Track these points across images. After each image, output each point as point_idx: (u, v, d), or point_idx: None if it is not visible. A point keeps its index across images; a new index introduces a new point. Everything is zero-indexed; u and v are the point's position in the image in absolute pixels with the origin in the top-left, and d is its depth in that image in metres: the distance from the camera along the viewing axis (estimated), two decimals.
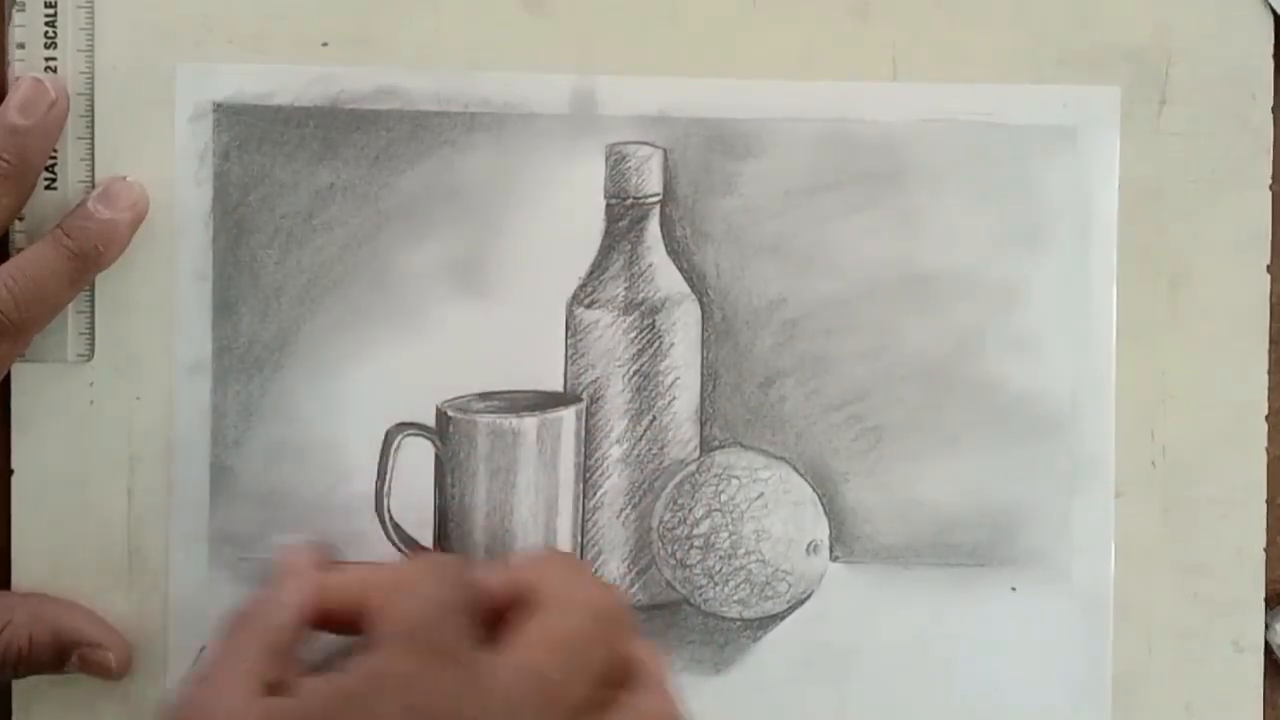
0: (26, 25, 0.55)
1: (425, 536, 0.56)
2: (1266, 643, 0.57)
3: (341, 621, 0.45)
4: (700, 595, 0.57)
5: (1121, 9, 0.57)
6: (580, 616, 0.44)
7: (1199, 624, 0.57)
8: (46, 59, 0.55)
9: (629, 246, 0.56)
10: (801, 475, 0.57)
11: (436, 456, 0.56)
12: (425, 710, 0.42)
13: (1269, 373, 0.57)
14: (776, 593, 0.57)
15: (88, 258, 0.54)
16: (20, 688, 0.55)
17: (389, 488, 0.56)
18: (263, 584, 0.47)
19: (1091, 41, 0.57)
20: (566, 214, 0.56)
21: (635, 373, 0.57)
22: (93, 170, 0.55)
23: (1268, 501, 0.57)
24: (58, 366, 0.55)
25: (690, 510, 0.57)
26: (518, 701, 0.43)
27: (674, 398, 0.57)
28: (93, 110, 0.55)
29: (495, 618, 0.44)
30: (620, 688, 0.44)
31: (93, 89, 0.55)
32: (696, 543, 0.57)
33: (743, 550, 0.57)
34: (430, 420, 0.56)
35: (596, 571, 0.57)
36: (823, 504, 0.57)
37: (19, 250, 0.54)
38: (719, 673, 0.57)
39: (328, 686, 0.42)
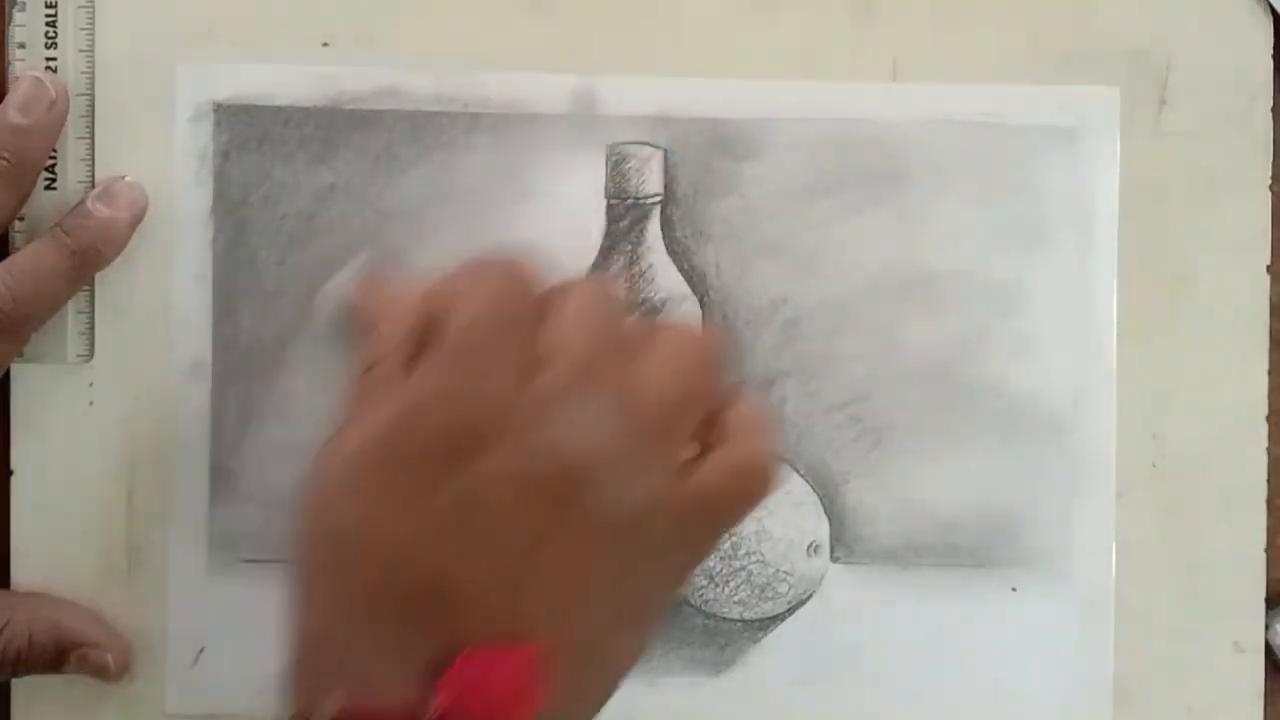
0: (27, 25, 0.55)
1: None
2: (1266, 643, 0.57)
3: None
4: (700, 596, 0.57)
5: (1121, 9, 0.57)
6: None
7: (1199, 624, 0.57)
8: (47, 59, 0.55)
9: (629, 247, 0.56)
10: (802, 476, 0.57)
11: None
12: (467, 426, 0.43)
13: (1269, 373, 0.57)
14: (777, 594, 0.57)
15: (86, 256, 0.53)
16: (20, 688, 0.55)
17: None
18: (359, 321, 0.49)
19: (1091, 41, 0.57)
20: (567, 214, 0.56)
21: None
22: (93, 170, 0.55)
23: (1268, 501, 0.57)
24: (57, 367, 0.55)
25: None
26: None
27: None
28: (93, 110, 0.55)
29: None
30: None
31: (93, 89, 0.55)
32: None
33: (743, 551, 0.57)
34: None
35: None
36: (823, 505, 0.57)
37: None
38: (719, 674, 0.57)
39: (388, 405, 0.44)
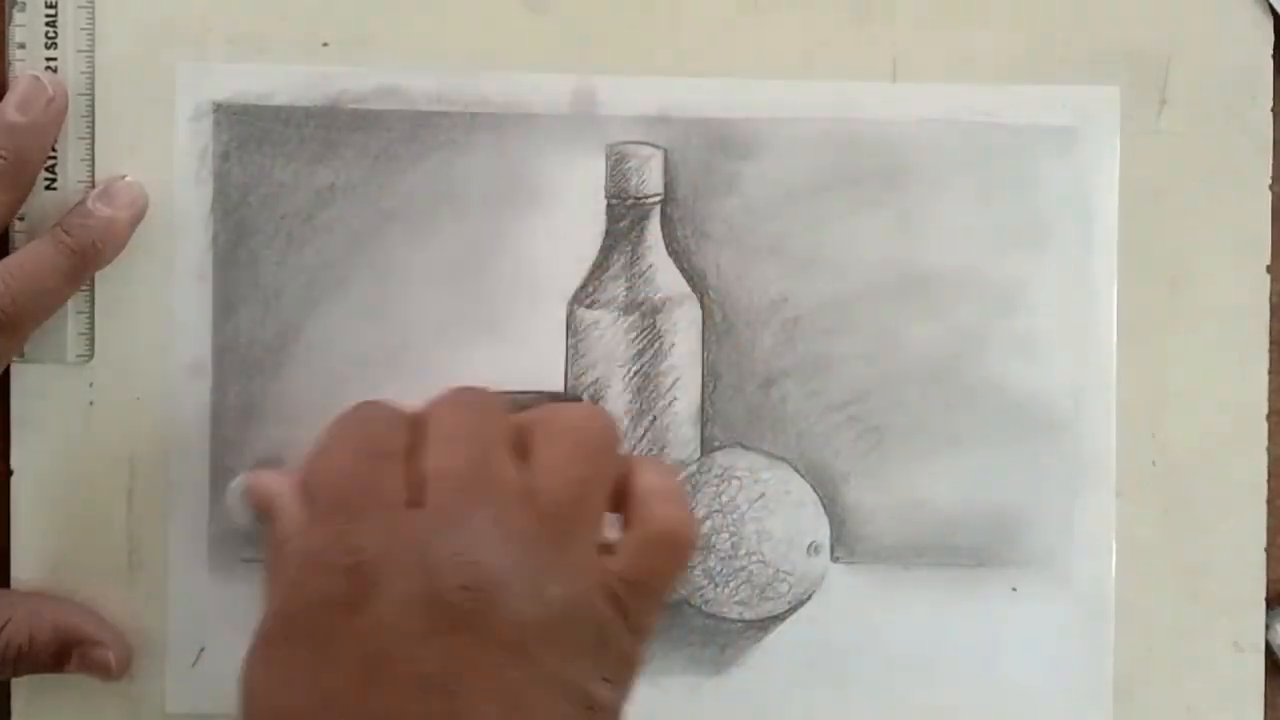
0: (27, 25, 0.55)
1: None
2: (1267, 643, 0.57)
3: None
4: (701, 596, 0.57)
5: (1121, 9, 0.57)
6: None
7: (1199, 624, 0.57)
8: (47, 59, 0.55)
9: (629, 247, 0.56)
10: (802, 476, 0.57)
11: None
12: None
13: (1269, 373, 0.57)
14: (777, 593, 0.57)
15: (86, 255, 0.53)
16: (20, 687, 0.55)
17: None
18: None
19: (1091, 41, 0.57)
20: (567, 214, 0.56)
21: (636, 373, 0.57)
22: (93, 170, 0.55)
23: (1268, 501, 0.57)
24: (57, 367, 0.55)
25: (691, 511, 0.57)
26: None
27: (674, 398, 0.57)
28: (93, 110, 0.55)
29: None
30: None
31: (93, 89, 0.55)
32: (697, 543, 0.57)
33: (743, 551, 0.57)
34: None
35: None
36: (824, 505, 0.57)
37: None
38: (719, 673, 0.57)
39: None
